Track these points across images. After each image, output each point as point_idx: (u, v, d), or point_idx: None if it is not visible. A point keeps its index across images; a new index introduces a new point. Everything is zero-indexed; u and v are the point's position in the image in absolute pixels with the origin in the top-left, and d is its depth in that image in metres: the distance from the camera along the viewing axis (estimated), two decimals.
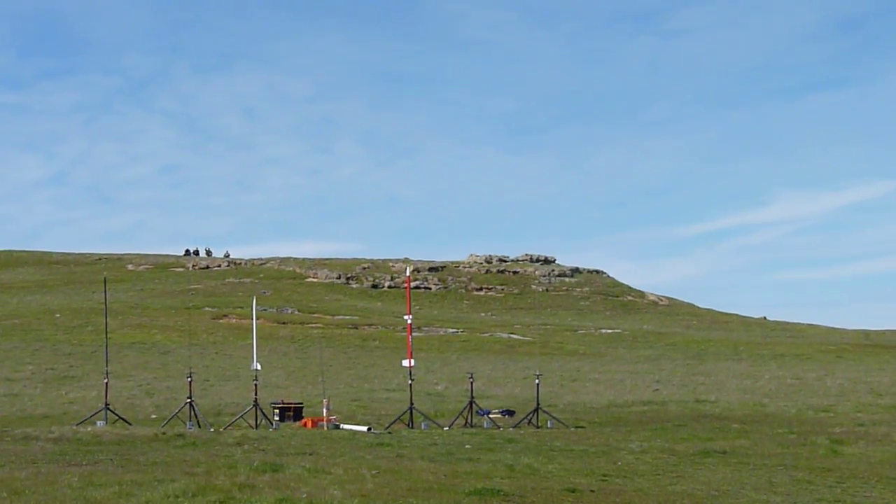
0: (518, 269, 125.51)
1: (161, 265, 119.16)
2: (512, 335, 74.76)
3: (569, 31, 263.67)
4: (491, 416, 26.21)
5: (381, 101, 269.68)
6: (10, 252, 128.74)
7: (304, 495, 11.98)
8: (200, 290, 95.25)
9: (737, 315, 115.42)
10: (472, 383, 26.11)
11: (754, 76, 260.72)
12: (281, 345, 59.71)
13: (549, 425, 24.71)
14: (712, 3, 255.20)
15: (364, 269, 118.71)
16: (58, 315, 70.90)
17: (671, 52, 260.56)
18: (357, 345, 63.51)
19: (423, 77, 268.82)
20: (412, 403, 24.90)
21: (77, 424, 23.11)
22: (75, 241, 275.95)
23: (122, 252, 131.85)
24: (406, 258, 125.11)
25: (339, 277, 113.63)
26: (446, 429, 23.81)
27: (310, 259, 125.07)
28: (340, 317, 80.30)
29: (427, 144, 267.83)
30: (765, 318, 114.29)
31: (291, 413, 25.68)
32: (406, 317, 26.26)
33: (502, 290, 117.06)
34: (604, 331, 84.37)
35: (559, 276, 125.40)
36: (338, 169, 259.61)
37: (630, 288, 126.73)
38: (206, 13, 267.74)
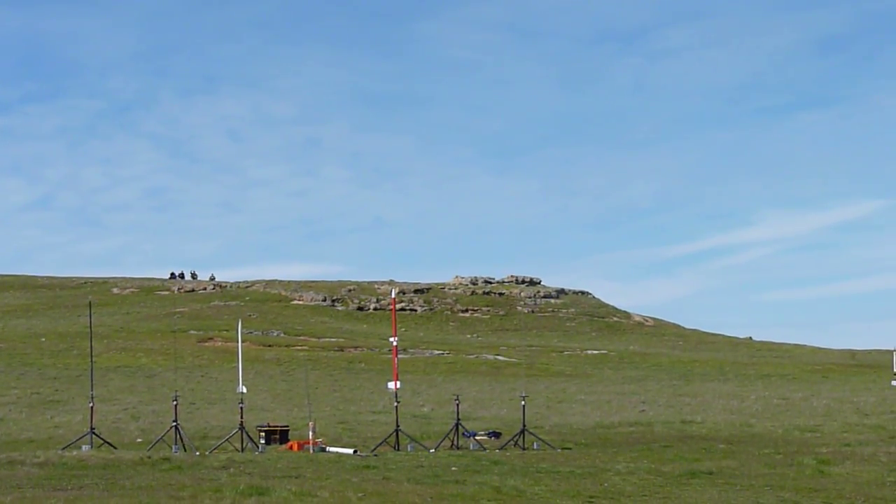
0: (504, 291, 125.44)
1: (146, 288, 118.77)
2: (498, 357, 74.70)
3: (554, 51, 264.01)
4: (477, 437, 26.17)
5: (366, 122, 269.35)
6: None
7: None
8: (186, 314, 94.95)
9: (723, 335, 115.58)
10: (458, 405, 26.10)
11: (740, 96, 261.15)
12: (267, 368, 59.55)
13: (535, 447, 24.70)
14: (697, 24, 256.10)
15: (349, 291, 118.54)
16: (43, 339, 70.63)
17: (656, 72, 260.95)
18: (343, 367, 63.38)
19: (408, 98, 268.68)
20: (398, 426, 24.87)
21: (62, 449, 23.01)
22: (61, 265, 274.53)
23: (108, 275, 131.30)
24: (391, 280, 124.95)
25: (324, 300, 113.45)
26: (432, 451, 23.78)
27: (295, 281, 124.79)
28: (326, 339, 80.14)
29: (412, 166, 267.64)
30: (751, 338, 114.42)
31: (277, 436, 25.62)
32: (391, 339, 26.26)
33: (488, 311, 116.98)
34: (590, 352, 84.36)
35: (545, 297, 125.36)
36: (323, 191, 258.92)
37: (616, 309, 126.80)
38: (190, 36, 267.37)
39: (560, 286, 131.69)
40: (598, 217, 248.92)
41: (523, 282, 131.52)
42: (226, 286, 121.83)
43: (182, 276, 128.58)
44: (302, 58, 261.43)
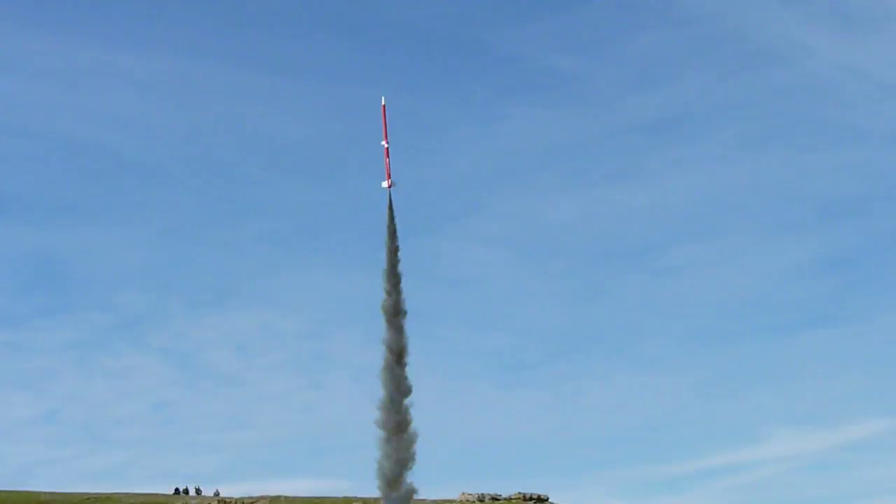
0: None
1: None
2: None
3: (560, 268, 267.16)
4: None
5: (373, 336, 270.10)
6: None
7: None
8: None
9: None
10: None
11: (747, 313, 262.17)
12: None
13: None
14: (702, 243, 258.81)
15: None
16: None
17: (663, 289, 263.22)
18: None
19: (415, 313, 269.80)
20: None
21: None
22: (65, 480, 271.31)
23: (112, 490, 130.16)
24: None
25: None
26: None
27: (301, 497, 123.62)
28: None
29: (418, 381, 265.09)
30: None
31: None
32: None
33: None
34: None
35: None
36: (330, 404, 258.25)
37: None
38: (199, 251, 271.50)
39: (568, 503, 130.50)
40: (607, 433, 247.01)
41: (531, 498, 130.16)
42: (230, 502, 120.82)
43: (186, 491, 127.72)
44: (310, 271, 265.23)
